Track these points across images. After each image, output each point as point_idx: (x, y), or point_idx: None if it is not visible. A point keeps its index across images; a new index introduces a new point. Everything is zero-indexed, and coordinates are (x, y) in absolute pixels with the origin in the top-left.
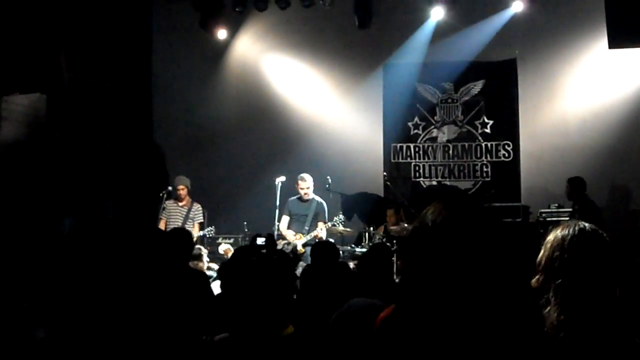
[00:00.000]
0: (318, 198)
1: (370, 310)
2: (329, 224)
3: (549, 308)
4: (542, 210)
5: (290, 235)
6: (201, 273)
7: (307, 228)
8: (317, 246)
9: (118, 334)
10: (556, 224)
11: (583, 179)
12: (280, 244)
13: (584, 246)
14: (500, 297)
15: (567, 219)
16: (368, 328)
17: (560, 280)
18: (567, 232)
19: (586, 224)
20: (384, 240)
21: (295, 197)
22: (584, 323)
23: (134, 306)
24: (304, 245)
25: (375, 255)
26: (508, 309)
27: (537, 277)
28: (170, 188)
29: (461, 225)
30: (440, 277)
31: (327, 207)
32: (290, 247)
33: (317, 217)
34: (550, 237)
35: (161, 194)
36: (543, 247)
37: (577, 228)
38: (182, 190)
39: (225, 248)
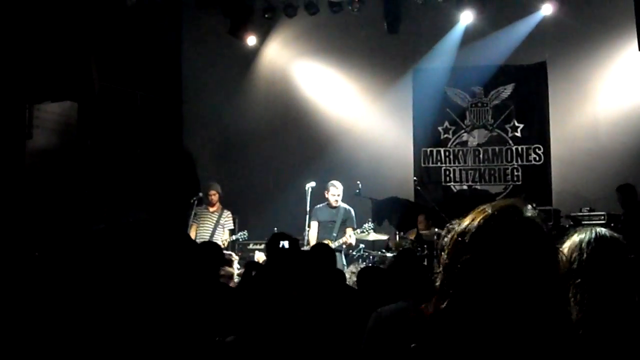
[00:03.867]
0: (345, 205)
1: (401, 315)
2: (358, 230)
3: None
4: (574, 214)
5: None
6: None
7: (335, 235)
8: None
9: (132, 333)
10: (570, 233)
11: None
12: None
13: (602, 247)
14: (541, 302)
15: (602, 222)
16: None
17: (579, 280)
18: (584, 235)
19: (602, 229)
20: (415, 245)
21: (322, 204)
22: (602, 321)
23: (152, 308)
24: None
25: (404, 262)
26: (548, 314)
27: None
28: (201, 194)
29: (504, 230)
30: (483, 283)
31: (357, 212)
32: None
33: (345, 224)
34: (567, 243)
35: (192, 200)
36: (559, 253)
37: (593, 232)
38: (214, 196)
39: (259, 256)
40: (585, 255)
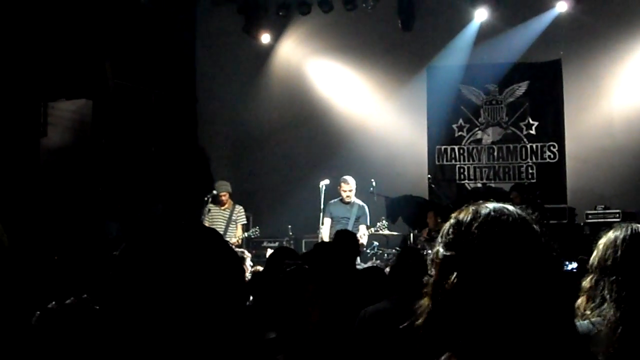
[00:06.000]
0: (359, 201)
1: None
2: (372, 229)
3: (605, 305)
4: (588, 212)
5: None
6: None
7: None
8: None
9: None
10: (608, 227)
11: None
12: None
13: (637, 244)
14: (543, 298)
15: (616, 220)
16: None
17: (614, 277)
18: (619, 232)
19: (638, 226)
20: (427, 242)
21: (336, 200)
22: None
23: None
24: None
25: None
26: (550, 313)
27: (590, 277)
28: (215, 192)
29: (488, 228)
30: (476, 279)
31: (371, 210)
32: None
33: (359, 221)
34: (603, 240)
35: (206, 198)
36: (595, 249)
37: (630, 229)
38: (224, 196)
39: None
40: (620, 252)
